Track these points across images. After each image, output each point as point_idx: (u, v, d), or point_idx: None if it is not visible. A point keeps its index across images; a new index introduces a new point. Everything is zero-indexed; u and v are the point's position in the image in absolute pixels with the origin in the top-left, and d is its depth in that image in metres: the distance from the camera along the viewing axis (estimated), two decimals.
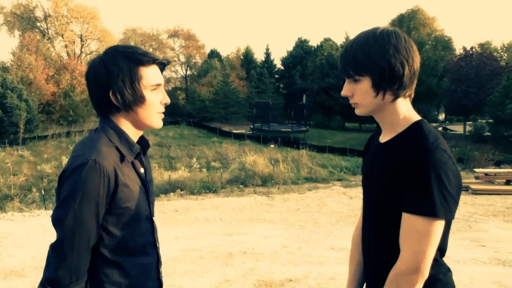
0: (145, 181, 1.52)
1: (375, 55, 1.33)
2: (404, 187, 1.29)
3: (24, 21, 53.17)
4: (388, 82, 1.34)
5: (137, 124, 1.49)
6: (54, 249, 1.33)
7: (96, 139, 1.41)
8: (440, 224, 1.27)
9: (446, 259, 1.46)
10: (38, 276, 4.67)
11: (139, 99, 1.43)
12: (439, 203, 1.24)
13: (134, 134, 1.50)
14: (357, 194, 9.84)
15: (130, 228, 1.44)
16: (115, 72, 1.40)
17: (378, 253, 1.47)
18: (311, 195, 10.24)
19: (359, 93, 1.39)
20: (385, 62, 1.32)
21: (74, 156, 1.37)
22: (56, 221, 1.33)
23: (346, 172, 25.18)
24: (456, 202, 1.30)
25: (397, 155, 1.34)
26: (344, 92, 1.44)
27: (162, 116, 1.53)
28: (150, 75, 1.45)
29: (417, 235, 1.27)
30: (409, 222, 1.29)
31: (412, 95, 1.44)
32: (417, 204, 1.27)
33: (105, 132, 1.44)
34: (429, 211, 1.25)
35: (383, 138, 1.47)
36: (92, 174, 1.31)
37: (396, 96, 1.38)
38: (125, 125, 1.47)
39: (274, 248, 5.74)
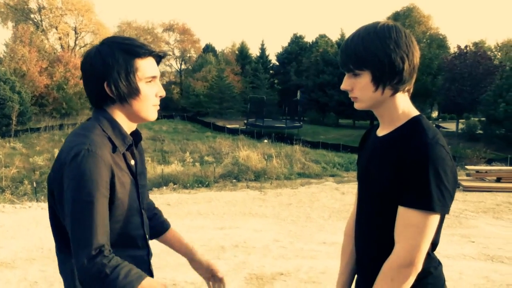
0: (135, 173, 1.50)
1: (375, 49, 1.32)
2: (402, 181, 1.30)
3: (18, 12, 52.60)
4: (388, 77, 1.34)
5: (132, 117, 1.47)
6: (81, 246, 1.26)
7: (89, 129, 1.40)
8: (435, 219, 1.29)
9: (436, 254, 1.47)
10: (29, 267, 4.65)
11: (134, 91, 1.42)
12: (436, 198, 1.25)
13: (128, 127, 1.48)
14: (349, 189, 9.88)
15: (120, 220, 1.42)
16: (110, 64, 1.38)
17: (372, 246, 1.47)
18: (303, 190, 10.26)
19: (359, 87, 1.39)
20: (385, 57, 1.32)
21: (68, 147, 1.34)
22: (73, 221, 1.27)
23: (339, 168, 25.26)
24: (452, 197, 1.31)
25: (395, 149, 1.35)
26: (343, 86, 1.44)
27: (157, 108, 1.52)
28: (145, 67, 1.44)
29: (413, 229, 1.28)
30: (406, 216, 1.30)
31: (411, 90, 1.44)
32: (414, 198, 1.27)
33: (98, 122, 1.42)
34: (426, 205, 1.26)
35: (381, 132, 1.47)
36: (91, 162, 1.28)
37: (395, 91, 1.38)
38: (120, 117, 1.46)
39: (265, 242, 5.75)
